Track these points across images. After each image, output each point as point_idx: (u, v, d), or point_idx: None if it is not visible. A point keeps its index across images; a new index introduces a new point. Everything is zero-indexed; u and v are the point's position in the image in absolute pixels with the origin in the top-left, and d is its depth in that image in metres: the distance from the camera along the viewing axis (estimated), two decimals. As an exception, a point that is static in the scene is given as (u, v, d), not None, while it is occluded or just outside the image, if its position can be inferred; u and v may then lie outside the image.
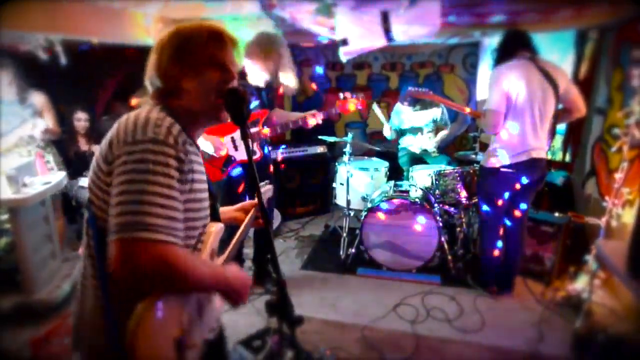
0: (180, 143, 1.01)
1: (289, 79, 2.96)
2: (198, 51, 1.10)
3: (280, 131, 3.03)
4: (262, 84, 2.94)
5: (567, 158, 4.26)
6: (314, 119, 2.99)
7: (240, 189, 3.04)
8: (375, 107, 4.42)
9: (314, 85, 6.13)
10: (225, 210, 1.50)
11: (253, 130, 3.00)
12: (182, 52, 1.10)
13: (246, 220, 1.47)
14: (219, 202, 1.37)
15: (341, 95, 3.06)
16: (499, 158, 2.89)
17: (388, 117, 4.50)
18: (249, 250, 3.53)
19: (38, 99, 3.40)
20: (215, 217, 1.28)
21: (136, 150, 0.97)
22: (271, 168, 3.35)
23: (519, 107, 2.78)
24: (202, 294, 1.20)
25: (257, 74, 2.89)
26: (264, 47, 2.82)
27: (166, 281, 0.96)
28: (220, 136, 2.92)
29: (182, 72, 1.10)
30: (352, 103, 3.03)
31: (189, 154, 1.05)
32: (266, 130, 2.98)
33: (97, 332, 1.10)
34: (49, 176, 3.31)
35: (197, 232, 1.15)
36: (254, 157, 3.01)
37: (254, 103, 2.99)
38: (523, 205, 3.02)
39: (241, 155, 3.01)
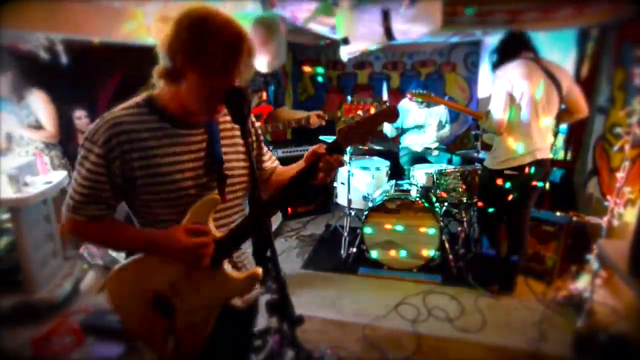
0: (102, 140, 1.14)
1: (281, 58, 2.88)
2: (213, 54, 1.08)
3: (282, 128, 3.00)
4: (265, 69, 2.88)
5: (569, 156, 4.25)
6: (317, 120, 2.95)
7: None
8: (385, 91, 4.42)
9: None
10: (295, 166, 1.48)
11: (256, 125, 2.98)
12: (197, 46, 1.08)
13: (287, 181, 1.30)
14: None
15: (349, 98, 3.00)
16: (504, 159, 2.88)
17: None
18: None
19: (36, 98, 3.36)
20: (221, 185, 1.28)
21: (80, 144, 1.19)
22: None
23: (523, 107, 2.77)
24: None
25: (259, 60, 2.82)
26: (262, 31, 2.76)
27: (93, 243, 1.48)
28: None
29: (191, 65, 1.10)
30: (355, 109, 2.96)
31: (142, 141, 1.17)
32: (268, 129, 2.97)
33: None
34: (50, 175, 3.31)
35: (177, 207, 1.23)
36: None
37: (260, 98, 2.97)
38: (526, 206, 3.01)
39: None
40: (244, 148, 1.34)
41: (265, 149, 1.52)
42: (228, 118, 1.32)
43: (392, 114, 1.30)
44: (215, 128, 1.29)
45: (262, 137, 1.50)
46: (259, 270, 1.23)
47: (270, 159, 1.55)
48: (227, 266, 1.27)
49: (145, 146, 1.17)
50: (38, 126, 3.39)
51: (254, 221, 1.23)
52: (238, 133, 1.33)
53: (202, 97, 1.15)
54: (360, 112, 2.88)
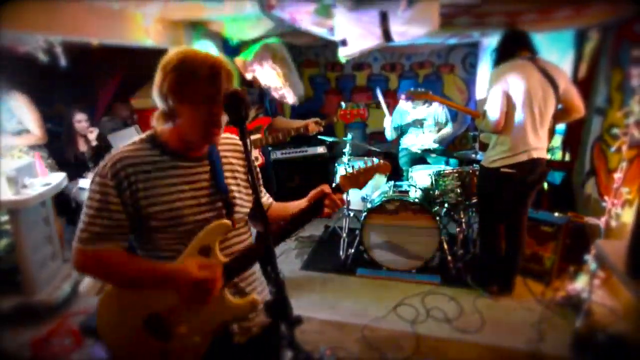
0: (111, 174, 1.22)
1: (297, 87, 3.00)
2: (197, 89, 1.20)
3: (282, 138, 3.09)
4: (274, 84, 2.95)
5: (567, 157, 4.26)
6: (315, 127, 3.02)
7: None
8: (379, 94, 4.42)
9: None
10: (297, 204, 1.55)
11: (256, 136, 3.04)
12: (181, 85, 1.20)
13: (295, 214, 1.45)
14: None
15: (343, 104, 3.10)
16: (499, 158, 2.89)
17: (391, 113, 4.50)
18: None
19: (18, 102, 3.31)
20: (229, 215, 1.35)
21: (91, 181, 1.27)
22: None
23: (519, 107, 2.78)
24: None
25: (268, 76, 2.90)
26: (272, 52, 2.86)
27: (102, 278, 1.33)
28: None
29: (179, 101, 1.22)
30: (349, 115, 3.09)
31: (147, 172, 1.25)
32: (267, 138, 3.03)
33: None
34: (49, 177, 3.31)
35: (182, 235, 1.28)
36: (257, 163, 3.04)
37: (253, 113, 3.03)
38: (523, 206, 3.02)
39: None
40: (244, 177, 1.45)
41: (261, 184, 1.57)
42: (229, 153, 1.43)
43: (386, 169, 1.66)
44: (217, 161, 1.37)
45: (259, 175, 1.56)
46: (258, 298, 1.34)
47: (266, 196, 1.63)
48: (227, 291, 1.30)
49: (147, 177, 1.26)
50: (22, 130, 3.37)
51: (263, 247, 1.28)
52: (238, 168, 1.44)
53: (196, 126, 1.25)
54: (355, 114, 3.07)
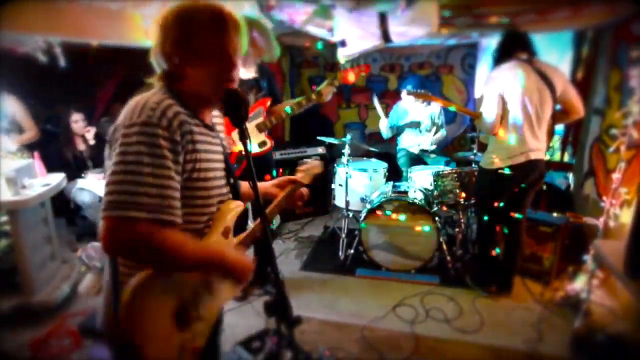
0: (175, 125, 1.04)
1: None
2: (201, 40, 1.10)
3: (284, 116, 3.04)
4: (252, 74, 2.92)
5: (566, 158, 4.27)
6: (330, 88, 3.00)
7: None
8: (375, 99, 4.43)
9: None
10: (260, 185, 1.44)
11: (259, 120, 2.99)
12: (184, 36, 1.10)
13: (279, 197, 1.48)
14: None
15: (342, 66, 3.03)
16: (497, 159, 2.90)
17: (387, 116, 4.51)
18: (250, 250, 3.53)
19: (10, 102, 3.31)
20: (235, 195, 1.31)
21: (130, 132, 1.01)
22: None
23: (516, 108, 2.79)
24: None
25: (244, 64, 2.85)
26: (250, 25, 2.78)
27: (151, 258, 1.03)
28: (227, 133, 2.91)
29: (186, 59, 1.12)
30: (351, 74, 2.96)
31: (193, 134, 1.10)
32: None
33: (107, 305, 1.17)
34: (48, 178, 3.31)
35: (209, 208, 1.19)
36: (265, 148, 3.05)
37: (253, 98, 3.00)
38: (522, 206, 3.02)
39: (253, 149, 3.00)
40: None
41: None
42: (220, 127, 1.35)
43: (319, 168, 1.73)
44: (217, 132, 1.31)
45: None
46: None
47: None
48: None
49: (194, 139, 1.11)
50: (14, 129, 3.37)
51: (264, 227, 1.26)
52: (222, 129, 1.37)
53: (209, 83, 1.15)
54: (352, 76, 2.97)
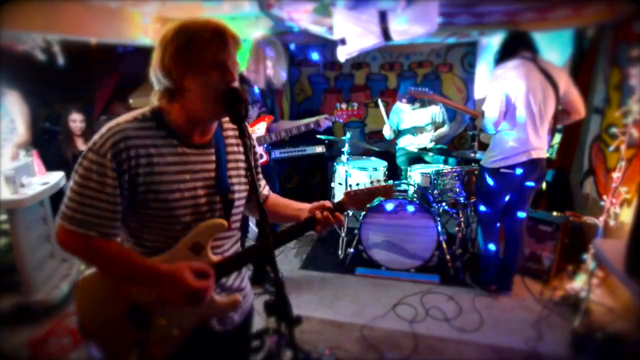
0: (112, 152, 1.11)
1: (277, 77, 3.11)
2: (201, 52, 1.11)
3: (284, 135, 3.17)
4: (261, 85, 3.00)
5: (565, 156, 4.26)
6: (325, 121, 3.21)
7: None
8: (380, 102, 4.45)
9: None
10: (299, 207, 1.49)
11: (259, 134, 3.07)
12: (185, 51, 1.11)
13: (286, 228, 1.41)
14: None
15: (338, 105, 3.31)
16: (499, 158, 2.89)
17: (388, 116, 4.51)
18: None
19: (11, 99, 3.28)
20: (227, 212, 1.29)
21: (82, 154, 1.16)
22: None
23: (519, 107, 2.78)
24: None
25: (254, 78, 2.96)
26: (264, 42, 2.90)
27: (90, 264, 1.22)
28: None
29: (185, 72, 1.12)
30: (345, 115, 3.31)
31: (151, 156, 1.15)
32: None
33: None
34: (47, 177, 3.30)
35: (173, 227, 1.21)
36: (262, 161, 3.11)
37: (254, 111, 3.07)
38: (522, 205, 3.02)
39: None
40: (245, 165, 1.35)
41: (260, 174, 1.53)
42: (233, 140, 1.35)
43: (389, 193, 1.54)
44: (222, 149, 1.29)
45: (259, 163, 1.52)
46: (239, 298, 1.30)
47: (264, 186, 1.56)
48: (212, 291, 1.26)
49: (150, 162, 1.15)
50: (12, 129, 3.35)
51: (257, 251, 1.27)
52: (241, 157, 1.35)
53: (205, 100, 1.15)
54: (347, 116, 3.32)
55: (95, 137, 1.14)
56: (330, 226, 1.41)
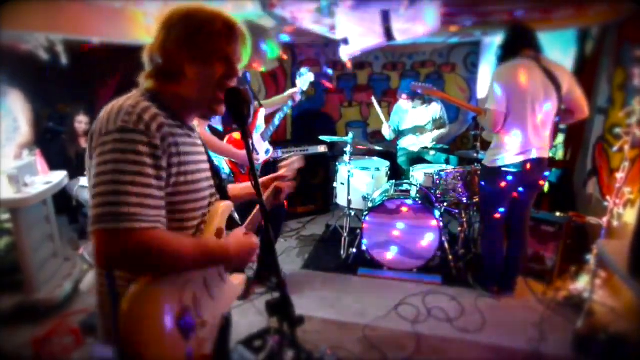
0: (154, 128, 1.01)
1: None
2: (209, 41, 1.09)
3: (270, 133, 3.17)
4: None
5: (568, 156, 4.25)
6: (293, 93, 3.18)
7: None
8: (375, 103, 4.43)
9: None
10: (243, 186, 1.56)
11: (262, 129, 3.08)
12: (192, 37, 1.08)
13: (264, 196, 1.49)
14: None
15: (297, 75, 3.29)
16: (501, 157, 2.89)
17: (388, 117, 4.51)
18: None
19: (14, 98, 3.29)
20: (223, 195, 1.31)
21: (107, 140, 0.98)
22: None
23: (521, 106, 2.77)
24: (209, 272, 1.22)
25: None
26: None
27: (154, 266, 1.01)
28: (239, 146, 2.95)
29: (188, 57, 1.09)
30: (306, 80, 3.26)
31: (175, 136, 1.07)
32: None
33: (106, 318, 1.12)
34: (50, 176, 3.31)
35: (199, 212, 1.17)
36: (270, 154, 3.20)
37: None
38: (525, 205, 3.01)
39: (261, 157, 3.12)
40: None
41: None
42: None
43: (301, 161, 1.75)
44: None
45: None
46: (244, 275, 1.38)
47: None
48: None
49: (176, 142, 1.08)
50: (15, 128, 3.35)
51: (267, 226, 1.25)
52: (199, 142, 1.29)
53: (204, 88, 1.12)
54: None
55: (117, 117, 1.00)
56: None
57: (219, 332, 1.27)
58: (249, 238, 1.24)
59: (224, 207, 1.24)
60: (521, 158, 2.82)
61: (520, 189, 2.92)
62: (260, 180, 1.58)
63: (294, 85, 3.30)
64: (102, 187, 0.96)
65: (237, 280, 1.36)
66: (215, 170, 1.29)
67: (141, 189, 0.97)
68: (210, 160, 1.28)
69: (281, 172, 1.65)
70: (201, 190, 1.17)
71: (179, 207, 1.10)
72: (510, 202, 3.00)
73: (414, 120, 4.37)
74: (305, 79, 3.25)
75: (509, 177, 2.87)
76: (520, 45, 2.81)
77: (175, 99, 1.12)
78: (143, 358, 1.00)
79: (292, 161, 1.71)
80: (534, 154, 2.82)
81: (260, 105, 3.12)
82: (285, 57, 3.26)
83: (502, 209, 3.01)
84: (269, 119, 3.19)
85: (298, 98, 3.22)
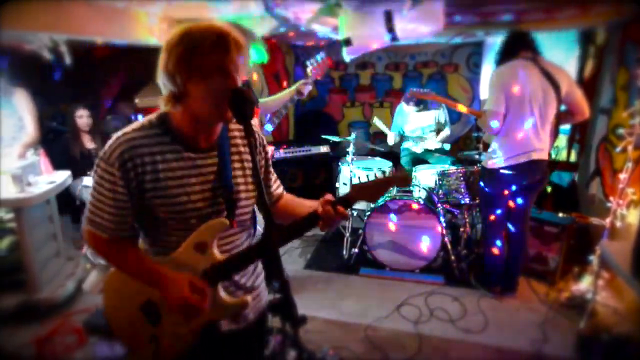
0: (120, 161, 1.18)
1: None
2: (203, 58, 1.12)
3: (277, 121, 3.01)
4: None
5: (573, 157, 4.24)
6: (303, 87, 2.90)
7: None
8: (376, 119, 4.44)
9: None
10: (310, 205, 1.42)
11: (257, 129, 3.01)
12: (187, 57, 1.12)
13: (299, 217, 1.33)
14: None
15: (308, 63, 2.94)
16: (500, 159, 2.88)
17: (389, 124, 4.50)
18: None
19: (20, 97, 3.28)
20: (231, 213, 1.30)
21: (97, 163, 1.22)
22: None
23: (519, 107, 2.77)
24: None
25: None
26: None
27: (109, 263, 1.32)
28: None
29: (187, 77, 1.14)
30: (320, 71, 2.93)
31: (155, 163, 1.20)
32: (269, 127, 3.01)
33: None
34: (53, 175, 3.32)
35: (179, 229, 1.25)
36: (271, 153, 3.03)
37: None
38: (525, 206, 3.00)
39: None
40: (251, 166, 1.31)
41: (273, 173, 1.54)
42: (239, 140, 1.36)
43: (406, 181, 1.40)
44: (227, 151, 1.31)
45: (270, 162, 1.52)
46: (248, 299, 1.32)
47: (277, 185, 1.55)
48: (220, 289, 1.29)
49: (155, 168, 1.21)
50: (21, 128, 3.36)
51: (261, 248, 1.26)
52: (248, 157, 1.34)
53: (209, 104, 1.16)
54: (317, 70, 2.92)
55: (106, 146, 1.21)
56: (333, 222, 1.28)
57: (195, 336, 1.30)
58: (179, 279, 1.22)
59: (209, 224, 1.25)
60: (520, 159, 2.82)
61: (520, 190, 2.92)
62: (322, 199, 1.33)
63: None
64: (90, 197, 1.26)
65: (232, 300, 1.31)
66: (226, 191, 1.29)
67: (101, 205, 1.23)
68: (222, 181, 1.28)
69: (348, 194, 1.36)
70: (187, 211, 1.24)
71: (155, 222, 1.26)
72: (510, 203, 2.99)
73: (417, 122, 4.37)
74: (321, 65, 2.90)
75: (509, 179, 2.87)
76: (517, 47, 2.81)
77: (186, 118, 1.21)
78: (111, 323, 1.37)
79: (374, 184, 1.36)
80: (533, 156, 2.81)
81: (257, 107, 3.09)
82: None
83: (502, 210, 3.01)
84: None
85: (308, 89, 2.91)
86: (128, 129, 1.23)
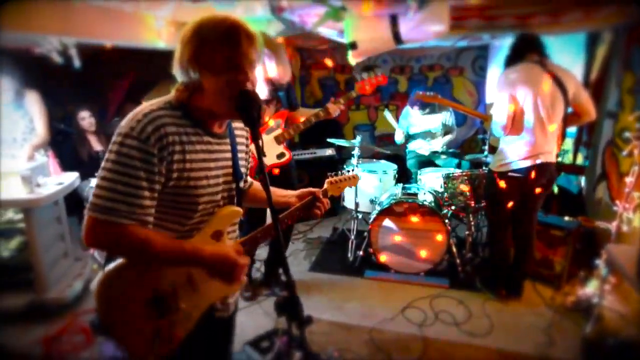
0: (154, 138, 1.10)
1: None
2: (213, 54, 1.13)
3: (303, 128, 3.05)
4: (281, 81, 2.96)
5: (579, 160, 4.22)
6: (334, 107, 3.01)
7: None
8: (386, 112, 4.45)
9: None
10: (284, 194, 1.58)
11: (277, 132, 3.02)
12: (200, 52, 1.14)
13: (293, 207, 1.52)
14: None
15: (358, 77, 3.05)
16: (507, 162, 2.88)
17: (397, 121, 4.51)
18: (260, 251, 3.56)
19: (32, 99, 3.33)
20: (240, 201, 1.37)
21: (115, 141, 1.12)
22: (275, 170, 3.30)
23: (527, 111, 2.77)
24: (197, 270, 1.28)
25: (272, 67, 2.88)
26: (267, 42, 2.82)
27: (124, 255, 1.18)
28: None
29: (201, 71, 1.15)
30: (368, 85, 3.06)
31: (183, 143, 1.17)
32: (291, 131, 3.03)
33: None
34: (62, 177, 3.36)
35: (199, 212, 1.25)
36: (284, 159, 3.06)
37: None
38: (531, 210, 3.00)
39: (270, 160, 3.04)
40: (246, 156, 1.46)
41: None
42: (239, 132, 1.41)
43: (354, 182, 1.81)
44: (234, 138, 1.35)
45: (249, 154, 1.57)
46: (245, 279, 1.37)
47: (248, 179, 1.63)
48: None
49: (183, 149, 1.17)
50: (31, 129, 3.39)
51: (276, 231, 1.27)
52: (247, 150, 1.46)
53: (223, 97, 1.18)
54: (371, 85, 3.04)
55: (128, 122, 1.12)
56: (323, 211, 1.58)
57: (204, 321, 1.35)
58: (226, 251, 1.25)
59: (226, 212, 1.30)
60: (528, 162, 2.82)
61: (527, 193, 2.91)
62: (299, 191, 1.58)
63: (302, 88, 3.26)
64: (100, 180, 1.11)
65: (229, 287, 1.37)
66: (237, 176, 1.34)
67: (130, 189, 1.09)
68: (235, 169, 1.34)
69: (325, 187, 1.68)
70: (204, 195, 1.24)
71: (177, 205, 1.21)
72: (516, 206, 2.99)
73: (424, 125, 4.37)
74: (372, 82, 3.05)
75: (515, 182, 2.87)
76: (526, 50, 2.82)
77: (200, 109, 1.21)
78: (109, 327, 1.24)
79: (343, 178, 1.75)
80: (540, 159, 2.81)
81: (293, 110, 3.11)
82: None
83: (508, 213, 3.01)
84: (295, 122, 3.11)
85: (337, 113, 3.07)
86: (152, 106, 1.16)
